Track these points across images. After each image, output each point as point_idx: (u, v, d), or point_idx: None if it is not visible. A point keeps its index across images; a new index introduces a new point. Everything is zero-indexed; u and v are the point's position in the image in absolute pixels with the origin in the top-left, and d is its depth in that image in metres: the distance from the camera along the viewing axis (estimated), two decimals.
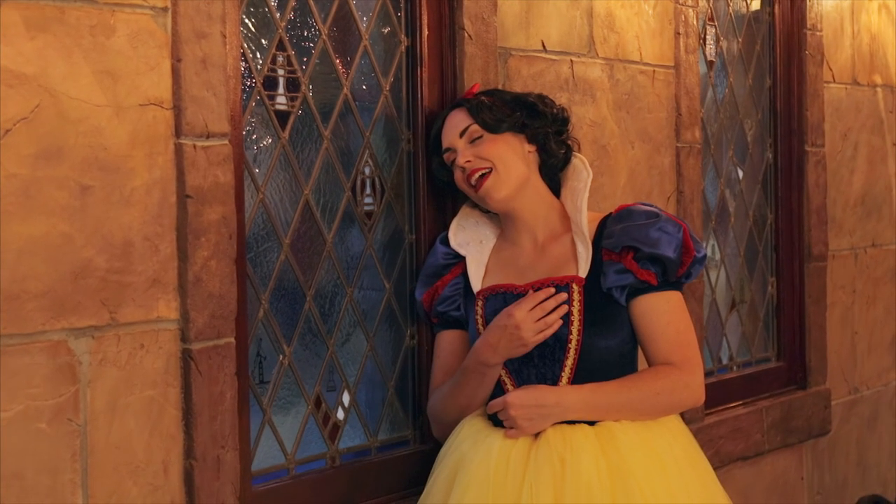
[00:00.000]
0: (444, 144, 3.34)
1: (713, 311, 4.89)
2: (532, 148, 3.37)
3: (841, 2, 5.45)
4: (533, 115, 3.38)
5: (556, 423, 3.15)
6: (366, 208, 3.46)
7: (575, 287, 3.21)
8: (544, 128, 3.39)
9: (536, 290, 3.20)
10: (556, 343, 3.20)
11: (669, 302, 3.23)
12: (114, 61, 2.69)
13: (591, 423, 3.17)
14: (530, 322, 3.11)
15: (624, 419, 3.16)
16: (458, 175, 3.32)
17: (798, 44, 5.18)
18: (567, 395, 3.14)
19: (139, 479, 2.76)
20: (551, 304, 3.13)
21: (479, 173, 3.26)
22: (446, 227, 3.47)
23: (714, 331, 4.91)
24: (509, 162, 3.29)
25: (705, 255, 3.30)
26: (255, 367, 3.18)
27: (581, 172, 3.43)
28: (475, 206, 3.45)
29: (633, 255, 3.19)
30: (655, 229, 3.23)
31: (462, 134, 3.30)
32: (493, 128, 3.30)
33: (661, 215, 3.29)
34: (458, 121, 3.33)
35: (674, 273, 3.23)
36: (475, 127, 3.30)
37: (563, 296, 3.14)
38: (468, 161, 3.27)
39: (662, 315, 3.20)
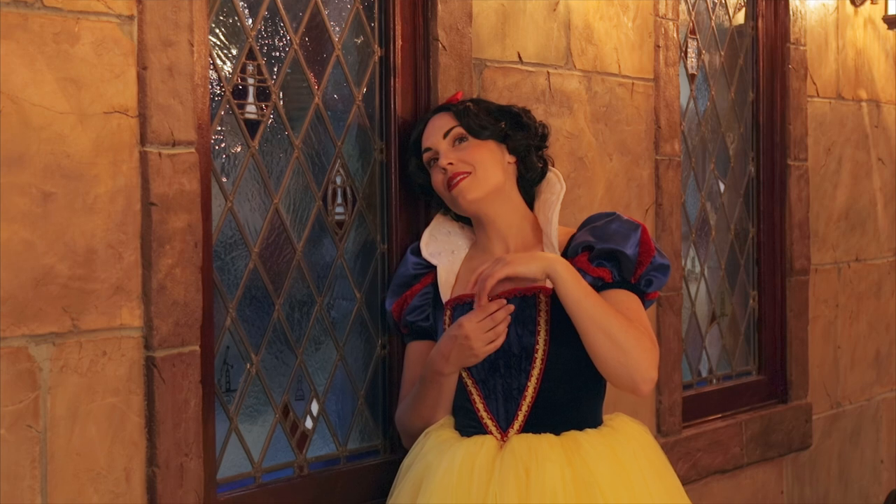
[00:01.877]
0: (426, 145, 3.34)
1: (693, 324, 4.89)
2: (512, 159, 3.38)
3: (826, 17, 5.45)
4: (516, 127, 3.39)
5: (521, 432, 3.17)
6: (337, 218, 3.46)
7: (542, 297, 3.22)
8: (526, 140, 3.40)
9: (508, 300, 3.20)
10: (523, 353, 3.20)
11: (628, 298, 3.22)
12: (78, 69, 2.70)
13: (557, 434, 3.18)
14: (480, 333, 3.11)
15: (588, 326, 3.08)
16: (437, 177, 3.32)
17: (781, 58, 5.19)
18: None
19: (100, 486, 2.76)
20: (501, 315, 3.12)
21: (460, 176, 3.27)
22: (418, 238, 3.47)
23: (694, 344, 4.92)
24: (489, 167, 3.30)
25: (668, 266, 3.29)
26: (222, 375, 3.18)
27: (555, 185, 3.44)
28: (447, 216, 3.46)
29: (587, 255, 3.21)
30: (611, 226, 3.25)
31: (446, 135, 3.31)
32: (477, 133, 3.31)
33: (619, 215, 3.32)
34: (442, 122, 3.34)
35: (630, 272, 3.22)
36: (460, 129, 3.31)
37: (511, 307, 3.14)
38: (450, 164, 3.28)
39: (618, 305, 3.18)
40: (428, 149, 3.34)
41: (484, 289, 3.09)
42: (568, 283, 3.08)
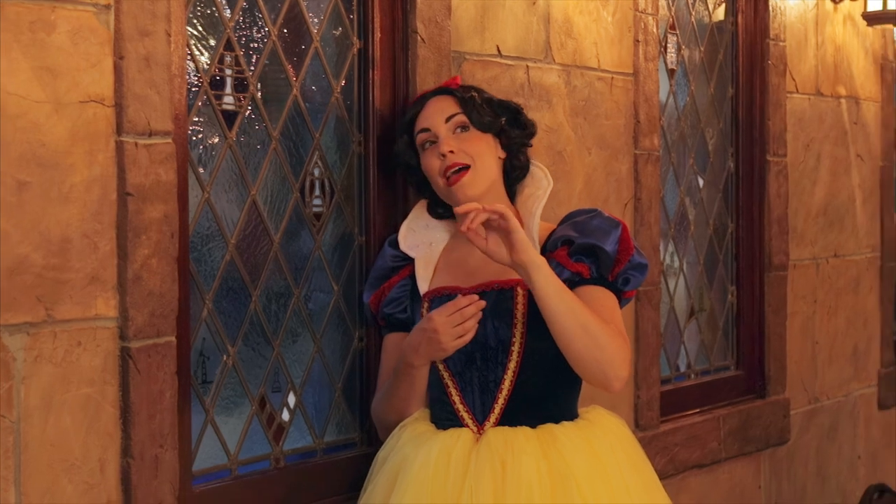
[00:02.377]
0: (424, 125, 3.31)
1: (671, 319, 4.90)
2: (503, 154, 3.38)
3: (805, 13, 5.46)
4: (513, 124, 3.39)
5: (497, 425, 3.16)
6: (314, 210, 3.45)
7: (519, 290, 3.21)
8: (519, 138, 3.41)
9: (479, 293, 3.20)
10: (500, 346, 3.20)
11: (604, 295, 3.22)
12: (54, 58, 2.68)
13: (533, 427, 3.18)
14: (448, 328, 3.09)
15: (565, 320, 3.07)
16: (432, 161, 3.29)
17: (761, 54, 5.19)
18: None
19: (74, 476, 2.75)
20: (471, 310, 3.10)
21: (458, 167, 3.26)
22: (396, 230, 3.47)
23: (672, 338, 4.92)
24: (487, 162, 3.30)
25: (646, 265, 3.30)
26: (198, 366, 3.17)
27: (542, 181, 3.45)
28: (426, 208, 3.46)
29: (567, 249, 3.21)
30: (592, 222, 3.25)
31: (448, 119, 3.30)
32: (481, 125, 3.31)
33: (601, 212, 3.32)
34: (445, 105, 3.33)
35: (608, 269, 3.22)
36: (463, 118, 3.30)
37: (483, 303, 3.12)
38: (451, 151, 3.26)
39: (594, 301, 3.17)
40: (426, 129, 3.31)
41: (479, 212, 3.02)
42: (549, 276, 3.07)
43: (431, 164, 3.30)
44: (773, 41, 5.21)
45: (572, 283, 3.18)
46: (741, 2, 5.16)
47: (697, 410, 4.94)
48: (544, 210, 3.39)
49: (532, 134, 3.46)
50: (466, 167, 3.26)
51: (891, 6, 5.70)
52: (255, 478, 3.29)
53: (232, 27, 3.22)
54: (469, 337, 3.11)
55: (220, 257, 3.22)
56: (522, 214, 3.37)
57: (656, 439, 4.56)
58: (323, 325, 3.49)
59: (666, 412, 4.69)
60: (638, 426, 4.48)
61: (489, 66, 3.82)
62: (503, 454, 3.12)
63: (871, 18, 5.75)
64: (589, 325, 3.08)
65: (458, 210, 3.05)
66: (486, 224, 3.04)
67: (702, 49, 5.00)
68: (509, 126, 3.39)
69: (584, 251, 3.23)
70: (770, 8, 5.18)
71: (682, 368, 4.98)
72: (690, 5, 4.93)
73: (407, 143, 3.37)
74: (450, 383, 3.25)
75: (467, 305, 3.10)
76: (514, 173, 3.42)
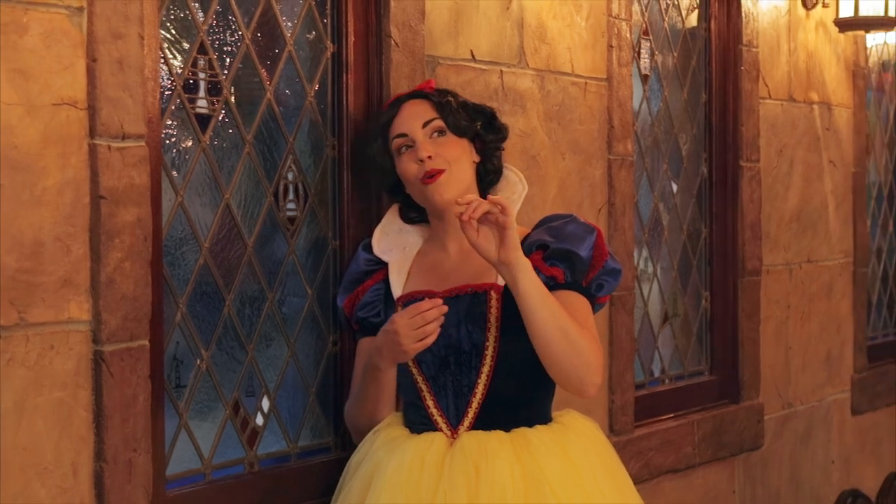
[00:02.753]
0: (401, 130, 3.30)
1: (645, 324, 4.90)
2: (477, 158, 3.38)
3: (778, 19, 5.48)
4: (488, 129, 3.40)
5: (471, 429, 3.16)
6: (288, 214, 3.45)
7: (493, 294, 3.22)
8: (494, 142, 3.41)
9: (453, 296, 3.20)
10: (473, 349, 3.20)
11: (578, 300, 3.23)
12: (26, 60, 2.68)
13: (507, 430, 3.18)
14: (409, 331, 3.08)
15: (546, 324, 3.07)
16: (409, 166, 3.28)
17: (734, 59, 5.21)
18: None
19: (47, 480, 2.74)
20: (433, 314, 3.09)
21: (437, 172, 3.25)
22: (370, 234, 3.46)
23: (646, 343, 4.93)
24: (463, 165, 3.30)
25: (620, 271, 3.30)
26: (172, 370, 3.16)
27: (516, 185, 3.46)
28: (399, 213, 3.46)
29: (542, 254, 3.21)
30: (567, 227, 3.26)
31: (425, 125, 3.30)
32: (458, 129, 3.31)
33: (576, 217, 3.32)
34: (421, 110, 3.32)
35: (583, 274, 3.23)
36: (440, 122, 3.30)
37: (445, 308, 3.11)
38: (430, 157, 3.25)
39: (568, 307, 3.17)
40: (403, 134, 3.31)
41: (482, 203, 3.02)
42: (534, 279, 3.08)
43: (409, 168, 3.29)
44: (746, 47, 5.22)
45: (546, 287, 3.18)
46: (714, 8, 5.18)
47: (672, 415, 4.94)
48: (518, 214, 3.39)
49: (505, 138, 3.47)
50: (443, 171, 3.26)
51: (862, 13, 5.73)
52: (229, 482, 3.29)
53: (205, 30, 3.21)
54: (430, 340, 3.09)
55: (193, 261, 3.21)
56: None
57: (630, 444, 4.56)
58: (297, 329, 3.48)
59: (640, 417, 4.69)
60: (612, 431, 4.49)
61: (463, 70, 3.83)
62: (477, 458, 3.12)
63: (843, 25, 5.78)
64: (568, 329, 3.09)
65: (461, 200, 3.05)
66: (483, 217, 3.03)
67: (675, 55, 5.02)
68: (484, 130, 3.39)
69: (559, 256, 3.23)
70: (742, 14, 5.19)
71: (657, 373, 4.99)
72: (663, 11, 4.95)
73: (382, 148, 3.36)
74: (423, 387, 3.25)
75: (429, 309, 3.09)
76: (487, 177, 3.43)
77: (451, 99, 3.36)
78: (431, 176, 3.25)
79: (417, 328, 3.08)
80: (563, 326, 3.09)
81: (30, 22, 2.68)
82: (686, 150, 5.09)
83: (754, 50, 5.28)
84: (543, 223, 3.35)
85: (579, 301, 3.24)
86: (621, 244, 4.50)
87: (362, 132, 3.52)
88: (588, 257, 3.24)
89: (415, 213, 3.43)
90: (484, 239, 3.06)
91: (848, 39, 6.04)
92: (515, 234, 3.06)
